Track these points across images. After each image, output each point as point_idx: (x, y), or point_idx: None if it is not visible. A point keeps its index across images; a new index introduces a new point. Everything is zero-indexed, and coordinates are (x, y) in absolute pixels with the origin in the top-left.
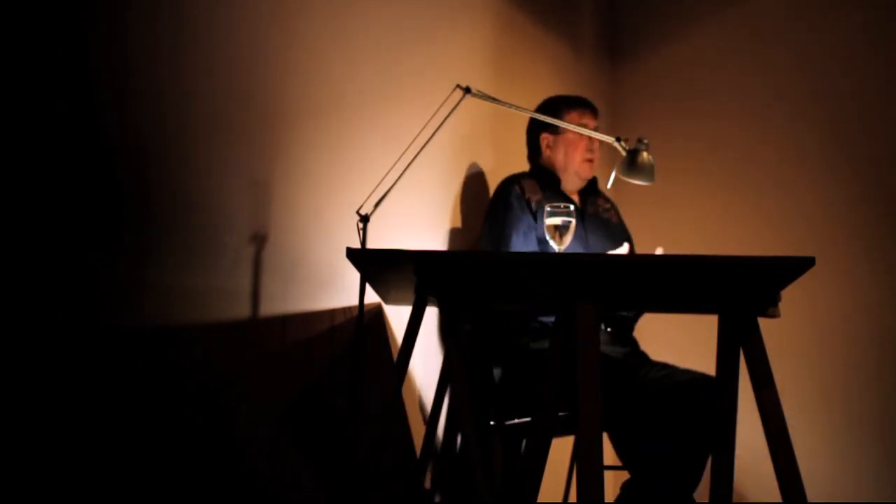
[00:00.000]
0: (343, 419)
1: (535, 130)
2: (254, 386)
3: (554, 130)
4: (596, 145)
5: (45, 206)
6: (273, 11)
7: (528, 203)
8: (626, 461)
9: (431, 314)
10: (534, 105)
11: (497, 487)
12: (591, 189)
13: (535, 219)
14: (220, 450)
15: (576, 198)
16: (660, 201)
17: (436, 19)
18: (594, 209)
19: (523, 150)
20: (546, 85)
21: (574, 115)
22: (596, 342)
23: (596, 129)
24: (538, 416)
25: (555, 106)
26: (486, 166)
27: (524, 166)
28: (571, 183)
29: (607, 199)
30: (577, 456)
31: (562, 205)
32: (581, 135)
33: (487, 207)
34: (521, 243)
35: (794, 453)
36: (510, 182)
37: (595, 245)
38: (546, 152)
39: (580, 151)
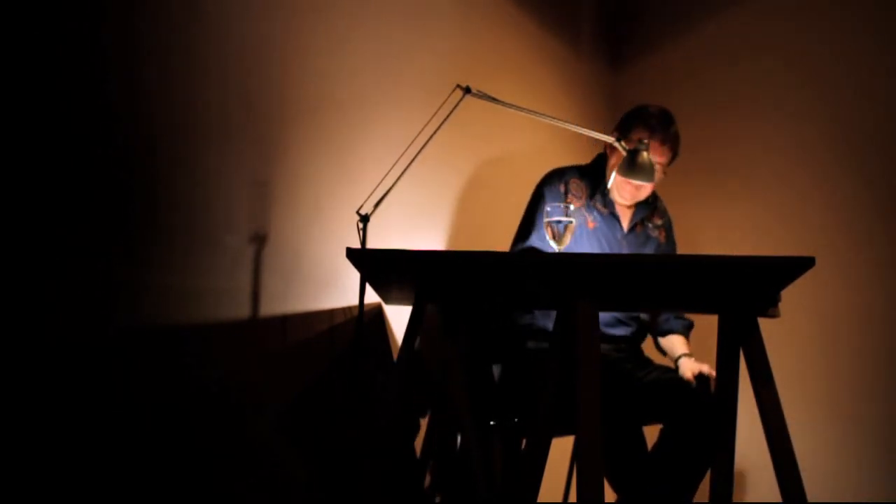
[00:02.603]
0: (343, 419)
1: (617, 125)
2: (254, 386)
3: (620, 136)
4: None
5: (46, 206)
6: (273, 13)
7: (567, 209)
8: (613, 477)
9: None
10: (532, 104)
11: (497, 487)
12: (646, 202)
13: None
14: (220, 449)
15: (627, 209)
16: None
17: (435, 19)
18: (641, 226)
19: (524, 150)
20: (546, 85)
21: (644, 136)
22: (596, 342)
23: (665, 165)
24: (538, 416)
25: (630, 117)
26: (487, 166)
27: (524, 165)
28: (618, 194)
29: (662, 216)
30: (577, 456)
31: (562, 205)
32: None
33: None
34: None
35: (794, 453)
36: (555, 177)
37: None
38: (608, 150)
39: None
